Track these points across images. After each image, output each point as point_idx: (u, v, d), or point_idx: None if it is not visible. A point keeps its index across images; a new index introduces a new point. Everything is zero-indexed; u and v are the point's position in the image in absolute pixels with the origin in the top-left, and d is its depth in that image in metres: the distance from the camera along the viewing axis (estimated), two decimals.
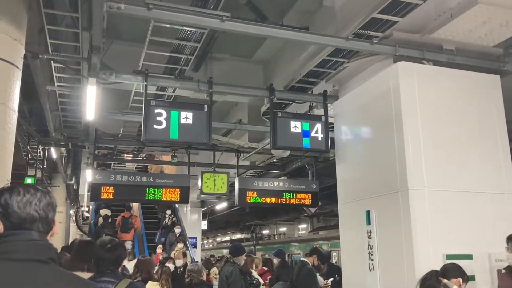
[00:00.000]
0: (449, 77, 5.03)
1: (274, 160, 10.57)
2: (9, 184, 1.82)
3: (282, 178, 10.78)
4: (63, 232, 17.18)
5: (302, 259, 6.61)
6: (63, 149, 15.22)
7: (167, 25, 4.67)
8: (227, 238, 38.80)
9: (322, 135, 6.04)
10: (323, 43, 4.58)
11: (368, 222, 5.18)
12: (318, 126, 6.06)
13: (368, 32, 4.69)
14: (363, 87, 5.47)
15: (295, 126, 5.96)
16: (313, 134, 6.03)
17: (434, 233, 4.53)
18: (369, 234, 5.16)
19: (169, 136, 5.47)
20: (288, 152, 7.81)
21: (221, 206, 18.23)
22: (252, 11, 6.55)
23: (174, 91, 6.41)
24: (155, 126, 5.42)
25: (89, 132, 8.10)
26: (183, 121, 5.55)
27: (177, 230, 13.23)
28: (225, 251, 26.28)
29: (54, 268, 1.53)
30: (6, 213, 1.53)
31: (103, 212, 13.96)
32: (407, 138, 4.73)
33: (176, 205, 14.85)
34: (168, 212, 13.99)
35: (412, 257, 4.43)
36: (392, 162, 4.85)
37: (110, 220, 13.63)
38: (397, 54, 4.84)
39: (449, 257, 4.32)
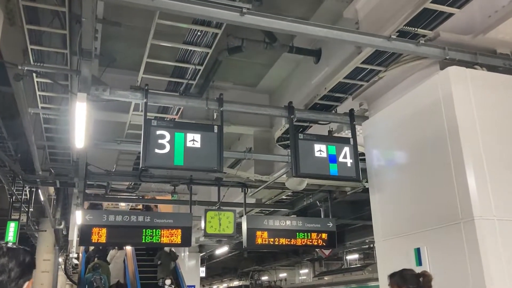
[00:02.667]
0: (508, 85, 4.23)
1: (283, 197, 9.63)
2: None
3: (292, 216, 9.79)
4: (50, 281, 15.81)
5: None
6: (52, 191, 14.25)
7: (172, 23, 3.88)
8: (224, 285, 37.06)
9: (351, 161, 5.16)
10: (360, 41, 3.80)
11: (419, 262, 4.22)
12: (346, 150, 5.19)
13: (415, 29, 3.92)
14: (402, 101, 4.65)
15: (320, 150, 5.09)
16: (340, 159, 5.15)
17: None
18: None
19: (173, 163, 4.57)
20: (304, 185, 6.90)
21: (221, 250, 17.02)
22: (262, 31, 5.88)
23: (178, 112, 5.56)
24: (156, 151, 4.53)
25: (79, 166, 7.16)
26: (189, 144, 4.67)
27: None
28: None
29: None
30: None
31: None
32: (468, 157, 3.86)
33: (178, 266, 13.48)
34: (168, 282, 11.66)
35: None
36: (449, 187, 3.96)
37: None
38: (447, 57, 4.06)
39: None
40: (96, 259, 12.12)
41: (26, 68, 4.28)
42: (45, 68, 4.39)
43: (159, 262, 12.32)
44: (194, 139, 4.70)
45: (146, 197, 11.15)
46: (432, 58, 4.15)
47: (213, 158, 4.72)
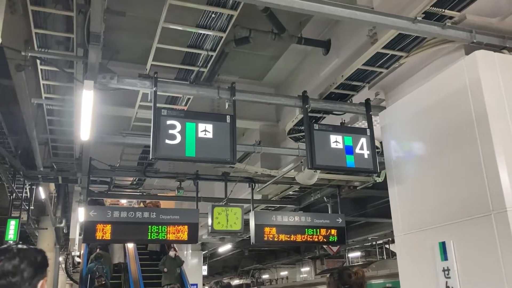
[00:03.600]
0: None
1: (290, 193, 9.42)
2: None
3: (301, 212, 9.58)
4: (51, 280, 15.58)
5: None
6: (52, 189, 14.01)
7: (185, 3, 3.65)
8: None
9: (368, 152, 4.95)
10: (384, 23, 3.58)
11: (444, 257, 4.01)
12: (363, 141, 4.98)
13: (443, 10, 3.70)
14: (424, 89, 4.44)
15: (336, 141, 4.88)
16: (357, 150, 4.94)
17: None
18: (446, 272, 3.98)
19: (185, 154, 4.36)
20: (315, 179, 6.69)
21: (224, 248, 16.80)
22: (270, 21, 5.68)
23: (187, 103, 5.34)
24: (167, 141, 4.31)
25: (83, 161, 6.94)
26: (201, 134, 4.46)
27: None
28: None
29: None
30: None
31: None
32: (498, 145, 3.65)
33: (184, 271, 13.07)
34: None
35: None
36: (477, 177, 3.75)
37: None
38: (475, 41, 3.85)
39: None
40: (98, 249, 12.09)
41: (30, 54, 4.06)
42: (50, 54, 4.16)
43: (165, 270, 11.86)
44: (206, 130, 4.49)
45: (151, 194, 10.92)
46: (458, 42, 3.94)
47: (226, 149, 4.51)
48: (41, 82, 4.74)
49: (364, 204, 12.03)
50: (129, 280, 12.77)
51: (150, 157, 4.33)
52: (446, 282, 3.95)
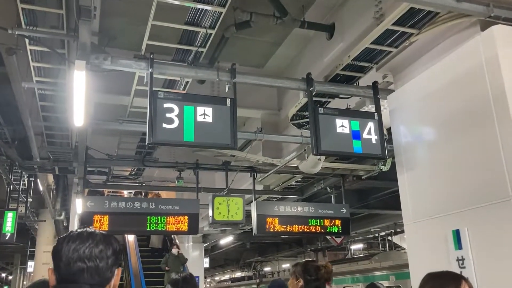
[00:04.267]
0: None
1: (293, 183, 9.19)
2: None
3: (303, 202, 9.34)
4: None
5: None
6: (51, 181, 13.82)
7: None
8: (227, 276, 36.83)
9: (376, 137, 4.71)
10: None
11: (458, 246, 3.79)
12: (371, 125, 4.74)
13: None
14: (435, 69, 4.19)
15: (342, 126, 4.64)
16: (365, 135, 4.70)
17: None
18: (460, 262, 3.76)
19: (183, 138, 4.12)
20: (319, 167, 6.45)
21: (225, 240, 16.61)
22: (272, 3, 5.44)
23: (185, 87, 5.09)
24: (164, 125, 4.08)
25: (79, 150, 6.71)
26: (200, 118, 4.23)
27: (174, 251, 11.60)
28: None
29: None
30: (56, 264, 1.43)
31: None
32: None
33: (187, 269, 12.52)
34: None
35: None
36: (495, 161, 3.51)
37: None
38: (492, 15, 3.59)
39: None
40: None
41: (17, 33, 3.81)
42: (39, 33, 3.92)
43: (166, 268, 11.52)
44: (205, 113, 4.26)
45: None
46: (474, 16, 3.69)
47: (226, 134, 4.28)
48: (31, 64, 4.49)
49: (367, 196, 11.82)
50: (130, 275, 12.60)
51: (147, 141, 4.11)
52: (461, 272, 3.72)
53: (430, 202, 4.19)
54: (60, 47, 4.26)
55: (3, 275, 32.83)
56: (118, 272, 1.50)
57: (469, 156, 3.79)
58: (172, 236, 14.37)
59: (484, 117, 3.65)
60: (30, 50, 4.26)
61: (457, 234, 3.80)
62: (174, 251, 11.85)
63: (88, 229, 1.50)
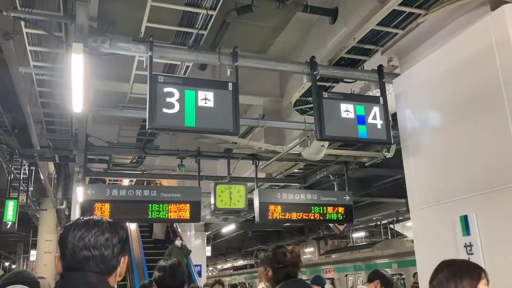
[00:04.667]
0: None
1: (295, 170, 9.11)
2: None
3: (306, 190, 9.27)
4: (53, 263, 15.46)
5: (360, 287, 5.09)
6: (52, 170, 13.75)
7: None
8: (229, 265, 37.02)
9: (381, 122, 4.60)
10: None
11: (466, 232, 3.70)
12: (376, 110, 4.63)
13: None
14: (443, 51, 4.07)
15: (347, 110, 4.53)
16: (370, 120, 4.59)
17: None
18: (468, 248, 3.68)
19: (184, 123, 4.03)
20: (322, 154, 6.36)
21: (227, 229, 16.59)
22: None
23: (186, 72, 4.98)
24: (164, 110, 3.98)
25: (78, 137, 6.62)
26: (201, 103, 4.12)
27: (178, 242, 11.50)
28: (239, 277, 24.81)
29: None
30: (62, 252, 1.43)
31: None
32: None
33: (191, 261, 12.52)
34: None
35: None
36: (505, 145, 3.42)
37: None
38: None
39: None
40: None
41: (12, 15, 3.70)
42: (35, 15, 3.80)
43: None
44: (206, 98, 4.15)
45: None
46: None
47: (228, 118, 4.18)
48: (28, 48, 4.38)
49: (369, 184, 11.77)
50: (132, 264, 12.59)
51: (147, 127, 4.02)
52: (469, 259, 3.65)
53: (437, 188, 4.11)
54: (57, 30, 4.14)
55: (6, 264, 33.02)
56: (124, 260, 1.50)
57: (478, 140, 3.70)
58: (174, 226, 14.33)
59: (494, 100, 3.54)
60: (27, 33, 4.15)
61: (465, 220, 3.72)
62: (178, 242, 11.66)
63: (94, 217, 1.50)
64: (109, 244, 1.44)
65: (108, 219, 1.51)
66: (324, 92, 4.56)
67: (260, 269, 2.84)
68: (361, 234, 22.91)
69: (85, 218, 1.49)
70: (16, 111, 8.21)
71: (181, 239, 12.12)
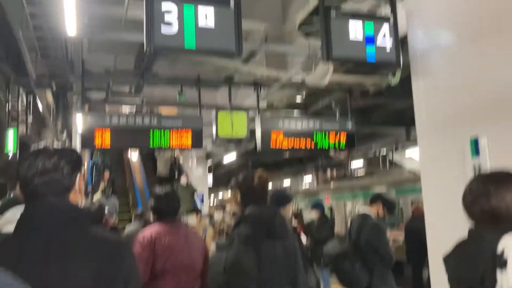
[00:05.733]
0: None
1: (298, 101, 8.94)
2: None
3: (308, 116, 9.15)
4: None
5: (361, 210, 5.14)
6: (50, 99, 13.57)
7: None
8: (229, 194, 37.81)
9: (391, 42, 4.39)
10: None
11: (476, 152, 3.63)
12: (386, 30, 4.40)
13: None
14: None
15: (355, 30, 4.30)
16: (379, 40, 4.37)
17: None
18: (477, 171, 3.62)
19: (184, 45, 3.82)
20: (327, 79, 6.17)
21: (229, 159, 16.65)
22: None
23: None
24: (163, 31, 3.76)
25: (74, 62, 6.39)
26: (201, 23, 3.89)
27: (183, 180, 11.43)
28: None
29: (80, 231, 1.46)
30: (20, 182, 1.54)
31: None
32: None
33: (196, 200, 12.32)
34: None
35: None
36: None
37: None
38: None
39: None
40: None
41: None
42: None
43: None
44: (206, 15, 3.91)
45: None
46: None
47: (231, 39, 3.97)
48: None
49: (370, 115, 11.66)
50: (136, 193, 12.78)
51: (145, 48, 3.81)
52: None
53: (447, 111, 3.98)
54: None
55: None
56: (79, 178, 1.62)
57: (493, 61, 3.52)
58: (179, 163, 14.31)
59: None
60: None
61: (475, 143, 3.63)
62: (183, 180, 11.41)
63: (42, 147, 1.64)
64: (57, 167, 1.54)
65: (55, 147, 1.63)
66: (332, 10, 4.30)
67: (230, 192, 2.94)
68: (360, 164, 23.11)
69: (34, 150, 1.59)
70: (8, 36, 7.89)
71: (187, 176, 12.05)
